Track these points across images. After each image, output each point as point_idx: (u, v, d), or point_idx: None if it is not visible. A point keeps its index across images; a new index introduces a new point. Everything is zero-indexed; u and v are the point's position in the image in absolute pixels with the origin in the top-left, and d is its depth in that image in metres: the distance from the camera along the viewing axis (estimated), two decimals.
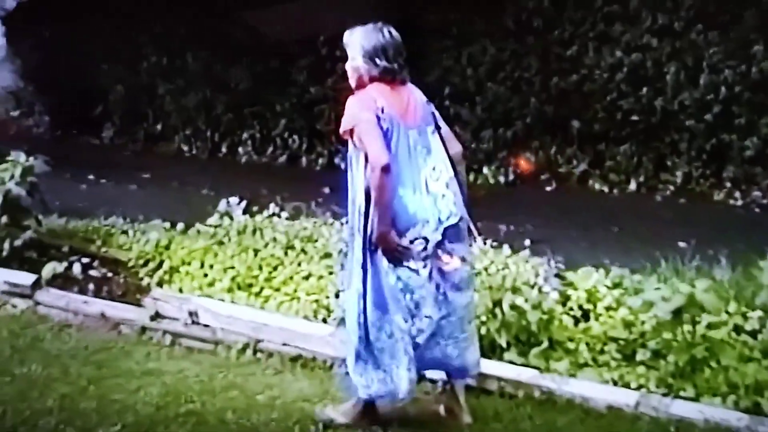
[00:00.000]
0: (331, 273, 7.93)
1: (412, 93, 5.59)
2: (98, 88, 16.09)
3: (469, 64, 13.08)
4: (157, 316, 7.66)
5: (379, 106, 5.31)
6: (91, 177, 12.78)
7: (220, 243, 8.80)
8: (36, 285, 8.29)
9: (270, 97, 14.04)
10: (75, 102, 16.42)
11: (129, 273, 8.68)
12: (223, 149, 14.44)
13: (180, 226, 9.33)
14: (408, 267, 5.41)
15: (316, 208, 9.77)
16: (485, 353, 6.63)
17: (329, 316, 7.41)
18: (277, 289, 7.86)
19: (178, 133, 15.14)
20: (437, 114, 5.71)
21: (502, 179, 12.63)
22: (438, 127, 5.62)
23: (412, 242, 5.36)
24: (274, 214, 9.43)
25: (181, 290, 8.08)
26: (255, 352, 7.14)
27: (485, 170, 12.73)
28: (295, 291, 7.76)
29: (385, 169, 5.12)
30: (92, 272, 8.72)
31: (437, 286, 5.55)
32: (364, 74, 5.51)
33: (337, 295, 7.59)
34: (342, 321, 6.01)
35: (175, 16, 15.23)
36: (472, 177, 12.69)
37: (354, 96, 5.46)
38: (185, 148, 14.91)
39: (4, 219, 9.06)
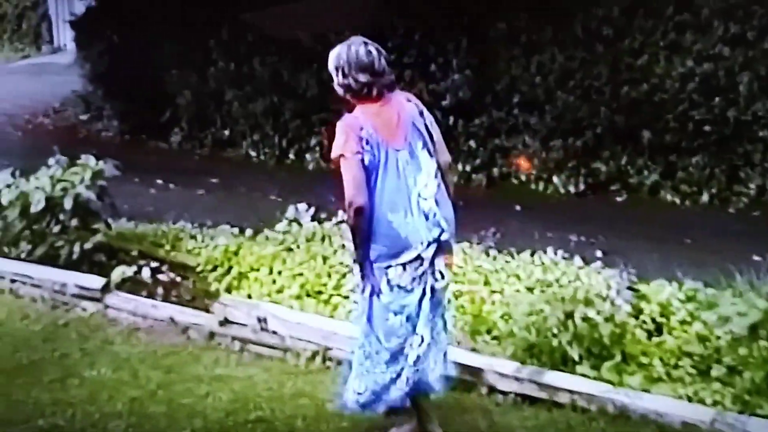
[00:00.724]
0: None
1: (401, 110, 5.40)
2: (166, 93, 16.17)
3: (538, 73, 12.96)
4: (225, 321, 7.64)
5: (366, 132, 5.20)
6: (159, 181, 12.84)
7: (289, 249, 8.80)
8: (105, 288, 8.33)
9: (337, 104, 13.93)
10: (143, 107, 16.52)
11: (197, 278, 8.71)
12: (291, 155, 14.39)
13: (248, 231, 9.32)
14: (399, 286, 5.36)
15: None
16: (557, 365, 6.56)
17: None
18: (346, 297, 7.82)
19: (246, 139, 15.14)
20: (433, 123, 5.52)
21: (572, 189, 12.47)
22: (429, 141, 5.43)
23: (407, 264, 5.30)
24: (342, 221, 9.38)
25: (249, 296, 8.09)
26: (324, 360, 7.09)
27: (555, 179, 12.60)
28: None
29: (358, 211, 5.12)
30: (161, 276, 8.76)
31: (430, 306, 5.45)
32: (342, 94, 5.43)
33: None
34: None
35: (242, 22, 15.26)
36: (541, 186, 12.61)
37: (342, 121, 5.31)
38: (253, 153, 14.90)
39: (74, 222, 9.14)
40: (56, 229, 9.19)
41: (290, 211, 9.78)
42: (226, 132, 15.48)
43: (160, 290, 8.51)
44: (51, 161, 9.75)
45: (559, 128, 12.75)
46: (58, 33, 31.64)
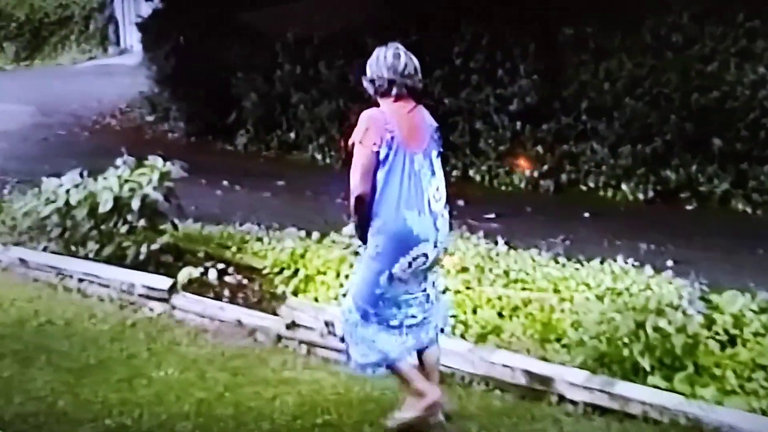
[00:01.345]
0: (468, 288, 7.82)
1: (423, 117, 5.79)
2: (232, 95, 16.24)
3: (606, 79, 12.83)
4: (293, 325, 7.62)
5: (390, 128, 5.53)
6: (225, 183, 12.89)
7: (356, 253, 8.72)
8: (172, 289, 8.37)
9: None
10: (209, 108, 16.60)
11: (264, 280, 8.69)
12: None
13: (315, 235, 9.29)
14: (400, 279, 5.69)
15: (453, 221, 9.61)
16: (628, 376, 6.47)
17: (466, 331, 7.28)
18: None
19: (312, 142, 15.16)
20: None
21: (641, 196, 12.33)
22: (441, 151, 5.85)
23: (414, 259, 5.61)
24: None
25: (316, 299, 8.04)
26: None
27: (624, 186, 12.47)
28: None
29: (359, 199, 5.56)
30: (227, 278, 8.76)
31: (426, 297, 5.89)
32: (368, 89, 5.84)
33: (474, 311, 7.49)
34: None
35: (308, 25, 15.27)
36: (609, 193, 12.48)
37: (367, 112, 5.65)
38: (318, 157, 14.91)
39: (142, 223, 9.18)
40: (124, 229, 9.26)
41: None
42: (292, 135, 15.52)
43: (226, 292, 8.53)
44: (118, 162, 9.83)
45: (627, 135, 12.62)
46: (125, 34, 32.04)
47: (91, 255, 9.51)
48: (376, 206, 5.58)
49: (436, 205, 5.66)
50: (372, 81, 5.75)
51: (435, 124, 5.83)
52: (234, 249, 9.36)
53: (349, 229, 9.29)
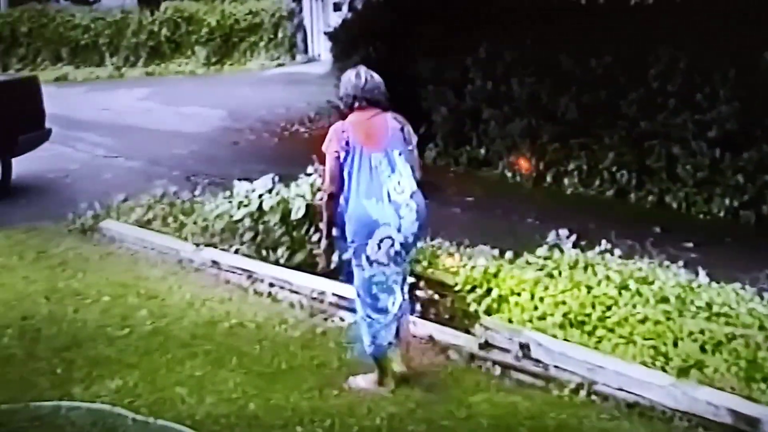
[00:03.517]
0: (669, 318, 7.52)
1: (384, 122, 6.99)
2: (422, 108, 16.14)
3: None
4: (486, 345, 7.49)
5: (346, 135, 6.83)
6: None
7: (550, 276, 8.53)
8: None
9: (598, 130, 13.67)
10: None
11: (455, 297, 8.55)
12: (548, 179, 14.12)
13: (508, 254, 9.11)
14: (378, 262, 6.85)
15: (651, 248, 9.31)
16: None
17: (667, 364, 6.99)
18: (611, 330, 7.51)
19: (502, 159, 14.97)
20: (413, 141, 7.15)
21: None
22: (408, 151, 7.04)
23: (381, 241, 6.77)
24: (606, 251, 9.06)
25: (510, 320, 7.85)
26: (589, 393, 6.84)
27: None
28: (631, 334, 7.40)
29: (330, 197, 6.94)
30: (418, 292, 8.64)
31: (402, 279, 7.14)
32: (341, 106, 7.24)
33: (675, 343, 7.20)
34: None
35: (502, 41, 15.11)
36: None
37: (334, 125, 7.01)
38: (509, 174, 14.69)
39: (334, 231, 9.14)
40: (315, 237, 9.24)
41: (551, 236, 9.53)
42: (482, 151, 15.34)
43: (417, 306, 8.41)
44: (310, 169, 9.88)
45: None
46: (312, 43, 32.43)
47: (281, 260, 9.57)
48: (345, 198, 6.85)
49: (398, 196, 6.80)
50: (341, 98, 7.16)
51: (398, 126, 7.02)
52: (425, 263, 9.24)
53: (543, 250, 9.14)
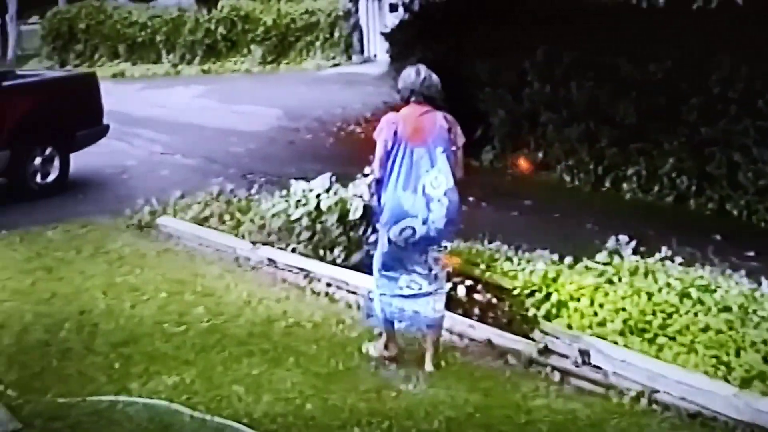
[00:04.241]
0: (731, 328, 7.39)
1: (433, 120, 7.34)
2: (479, 110, 16.07)
3: None
4: (545, 350, 7.43)
5: (395, 127, 7.28)
6: (471, 199, 12.77)
7: (610, 282, 8.42)
8: None
9: (657, 135, 13.52)
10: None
11: (514, 301, 8.47)
12: (607, 183, 13.97)
13: (567, 259, 9.02)
14: (396, 244, 7.36)
15: (713, 256, 9.17)
16: None
17: (729, 374, 6.87)
18: (673, 338, 7.39)
19: (560, 163, 14.86)
20: (459, 143, 7.43)
21: None
22: (451, 150, 7.34)
23: (403, 230, 7.25)
24: (666, 257, 8.94)
25: (569, 326, 7.78)
26: (650, 402, 6.75)
27: None
28: (692, 343, 7.27)
29: (377, 181, 7.44)
30: (476, 296, 8.59)
31: (429, 271, 7.53)
32: (399, 98, 7.70)
33: (737, 353, 7.08)
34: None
35: (560, 44, 15.00)
36: None
37: (387, 115, 7.51)
38: (567, 178, 14.54)
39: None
40: (372, 238, 9.20)
41: (611, 242, 9.42)
42: (540, 154, 15.24)
43: (476, 310, 8.36)
44: (367, 170, 9.83)
45: None
46: (369, 43, 32.43)
47: (338, 260, 9.56)
48: (384, 185, 7.33)
49: (432, 190, 7.21)
50: (398, 91, 7.60)
51: (446, 126, 7.32)
52: (482, 267, 9.17)
53: (603, 256, 9.03)
